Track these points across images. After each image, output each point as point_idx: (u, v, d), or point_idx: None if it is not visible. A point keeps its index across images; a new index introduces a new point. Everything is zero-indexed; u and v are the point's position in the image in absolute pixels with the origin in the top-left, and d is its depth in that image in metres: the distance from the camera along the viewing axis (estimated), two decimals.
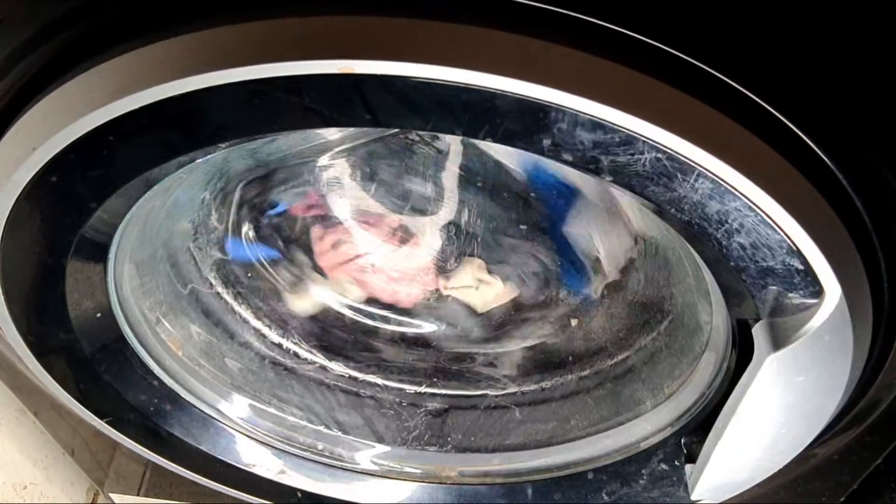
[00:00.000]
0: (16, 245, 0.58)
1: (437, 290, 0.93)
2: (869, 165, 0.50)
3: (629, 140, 0.46)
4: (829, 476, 0.79)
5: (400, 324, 0.97)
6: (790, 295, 0.53)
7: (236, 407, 0.86)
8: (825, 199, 0.49)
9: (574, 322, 0.92)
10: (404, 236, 0.88)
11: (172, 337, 0.81)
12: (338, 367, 0.93)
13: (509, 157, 0.78)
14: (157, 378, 0.78)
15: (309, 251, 0.91)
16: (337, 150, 0.78)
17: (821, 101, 0.48)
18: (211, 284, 0.87)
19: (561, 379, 0.92)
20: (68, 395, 0.75)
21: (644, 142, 0.46)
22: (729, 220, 0.49)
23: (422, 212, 0.83)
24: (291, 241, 0.90)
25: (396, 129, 0.74)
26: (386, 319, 0.97)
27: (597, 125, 0.45)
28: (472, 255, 0.90)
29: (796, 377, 0.57)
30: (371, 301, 0.96)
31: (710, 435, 0.67)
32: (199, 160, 0.55)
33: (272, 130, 0.52)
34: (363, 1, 0.47)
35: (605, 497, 0.82)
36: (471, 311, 0.95)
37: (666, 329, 0.84)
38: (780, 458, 0.67)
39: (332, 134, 0.75)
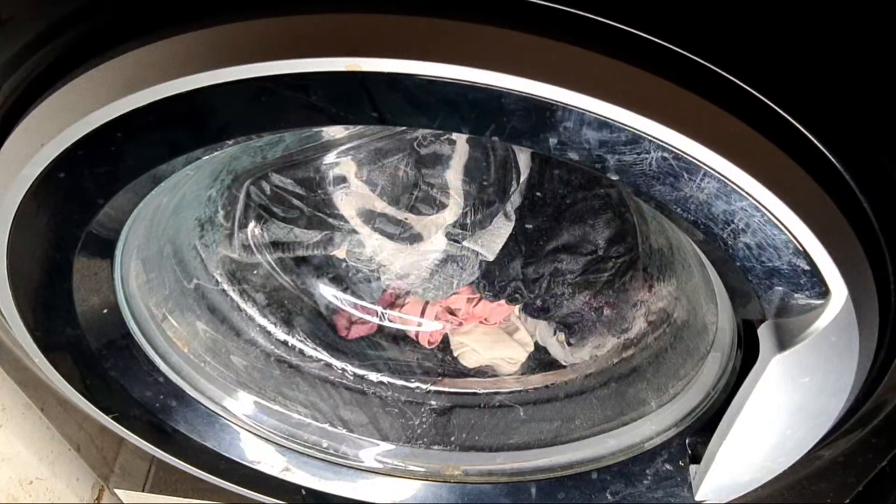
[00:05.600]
0: (24, 241, 0.58)
1: None
2: (876, 166, 0.50)
3: (635, 139, 0.46)
4: (834, 478, 0.78)
5: (405, 321, 0.97)
6: (796, 295, 0.52)
7: (241, 404, 0.86)
8: (832, 200, 0.49)
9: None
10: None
11: (178, 334, 0.81)
12: (343, 365, 0.94)
13: None
14: (163, 374, 0.79)
15: None
16: (343, 147, 0.78)
17: (828, 101, 0.48)
18: (217, 281, 0.87)
19: (565, 378, 0.92)
20: (74, 391, 0.75)
21: (650, 141, 0.46)
22: (735, 220, 0.49)
23: (427, 210, 0.83)
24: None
25: (403, 128, 0.74)
26: (391, 318, 0.97)
27: (603, 124, 0.45)
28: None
29: (802, 378, 0.57)
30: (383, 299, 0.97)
31: (715, 435, 0.67)
32: (206, 157, 0.55)
33: (279, 128, 0.52)
34: None
35: (610, 497, 0.81)
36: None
37: (671, 328, 0.84)
38: (785, 460, 0.67)
39: (338, 132, 0.75)
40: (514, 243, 0.86)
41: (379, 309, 0.96)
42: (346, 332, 0.96)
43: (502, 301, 0.91)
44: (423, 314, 0.96)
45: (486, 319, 0.95)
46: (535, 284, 0.87)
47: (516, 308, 0.94)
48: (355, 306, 0.96)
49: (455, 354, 0.97)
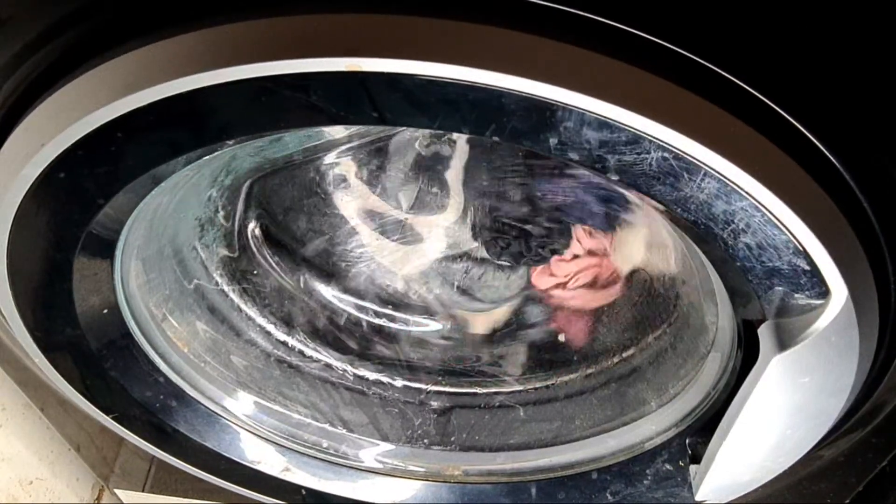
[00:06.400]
0: (24, 241, 0.58)
1: None
2: (876, 166, 0.50)
3: (636, 139, 0.46)
4: (834, 478, 0.78)
5: (406, 322, 0.97)
6: (796, 295, 0.52)
7: (241, 404, 0.86)
8: (832, 200, 0.49)
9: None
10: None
11: (178, 334, 0.81)
12: (343, 365, 0.94)
13: None
14: (163, 374, 0.79)
15: None
16: (343, 148, 0.78)
17: (828, 101, 0.48)
18: (217, 282, 0.87)
19: (566, 378, 0.92)
20: (74, 391, 0.75)
21: (651, 141, 0.46)
22: (735, 221, 0.49)
23: (427, 210, 0.83)
24: None
25: (403, 128, 0.74)
26: (391, 318, 0.97)
27: (603, 124, 0.45)
28: None
29: (802, 378, 0.57)
30: (383, 299, 0.97)
31: (715, 436, 0.67)
32: (207, 157, 0.55)
33: (279, 128, 0.52)
34: None
35: (610, 497, 0.81)
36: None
37: (671, 327, 0.84)
38: (785, 460, 0.67)
39: (338, 132, 0.75)
40: (519, 208, 0.84)
41: (382, 310, 0.96)
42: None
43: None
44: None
45: (595, 257, 0.89)
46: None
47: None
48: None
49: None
